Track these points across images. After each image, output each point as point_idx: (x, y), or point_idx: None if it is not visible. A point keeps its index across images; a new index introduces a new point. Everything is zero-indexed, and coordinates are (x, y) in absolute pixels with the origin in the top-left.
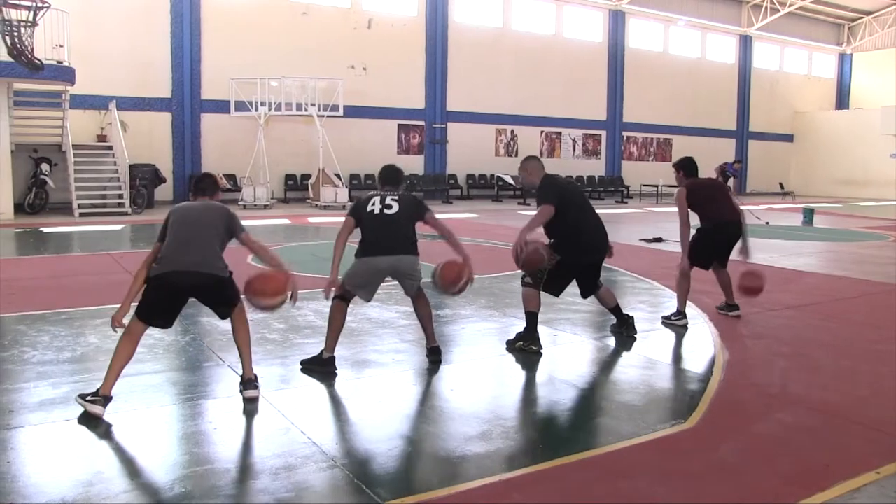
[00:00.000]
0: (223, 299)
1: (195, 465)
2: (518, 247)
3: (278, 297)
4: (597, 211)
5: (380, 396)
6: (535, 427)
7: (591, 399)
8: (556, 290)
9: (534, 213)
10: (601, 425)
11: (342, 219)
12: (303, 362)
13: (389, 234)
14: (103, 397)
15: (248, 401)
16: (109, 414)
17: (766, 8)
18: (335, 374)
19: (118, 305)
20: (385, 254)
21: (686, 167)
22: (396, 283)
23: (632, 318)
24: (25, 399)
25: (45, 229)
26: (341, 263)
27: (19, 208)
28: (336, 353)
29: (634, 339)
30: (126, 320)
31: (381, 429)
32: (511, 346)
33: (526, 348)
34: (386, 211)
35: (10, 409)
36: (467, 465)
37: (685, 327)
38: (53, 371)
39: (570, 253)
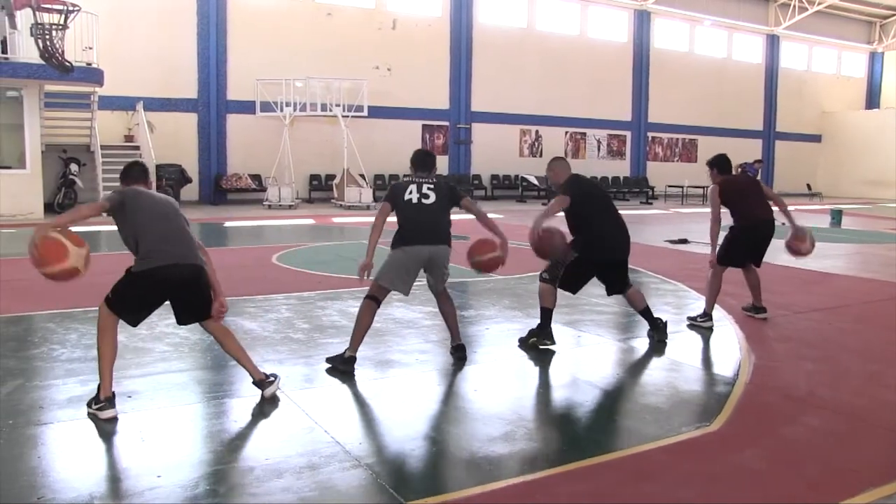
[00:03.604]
0: (202, 299)
1: (220, 463)
2: (534, 233)
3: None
4: (621, 211)
5: (403, 396)
6: (559, 428)
7: (614, 401)
8: (573, 288)
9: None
10: (625, 427)
11: (367, 219)
12: (328, 360)
13: (430, 224)
14: (107, 399)
15: (268, 400)
16: (137, 411)
17: (795, 6)
18: (352, 374)
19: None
20: (425, 243)
21: (719, 164)
22: (422, 282)
23: (664, 322)
24: (55, 396)
25: (74, 228)
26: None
27: (49, 208)
28: (360, 353)
29: (665, 343)
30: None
31: (405, 429)
32: (524, 343)
33: (539, 344)
34: (424, 201)
35: (40, 405)
36: (491, 466)
37: (711, 329)
38: (82, 368)
39: (587, 251)
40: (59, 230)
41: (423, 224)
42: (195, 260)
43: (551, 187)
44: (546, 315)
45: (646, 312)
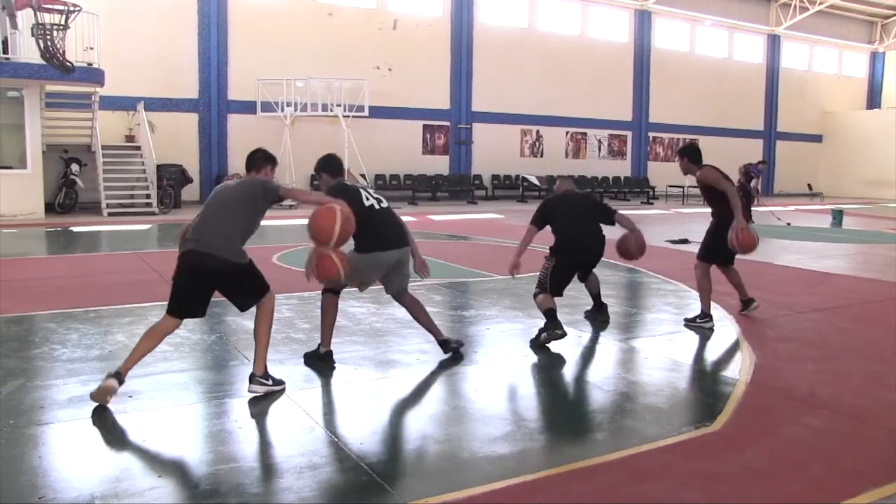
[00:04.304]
0: (240, 289)
1: (220, 462)
2: (511, 270)
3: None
4: (623, 211)
5: (404, 396)
6: (559, 428)
7: (615, 401)
8: (558, 290)
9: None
10: (626, 427)
11: None
12: (305, 355)
13: (393, 229)
14: (117, 373)
15: (250, 399)
16: (138, 411)
17: (795, 6)
18: (334, 368)
19: (146, 305)
20: (394, 248)
21: (690, 153)
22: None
23: (606, 305)
24: (55, 396)
25: (75, 228)
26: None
27: (50, 208)
28: (360, 353)
29: (607, 323)
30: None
31: (406, 429)
32: (535, 342)
33: (552, 337)
34: (382, 205)
35: (40, 405)
36: (491, 466)
37: (712, 330)
38: (82, 368)
39: (561, 254)
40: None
41: (389, 230)
42: (214, 250)
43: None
44: (550, 314)
45: (597, 297)
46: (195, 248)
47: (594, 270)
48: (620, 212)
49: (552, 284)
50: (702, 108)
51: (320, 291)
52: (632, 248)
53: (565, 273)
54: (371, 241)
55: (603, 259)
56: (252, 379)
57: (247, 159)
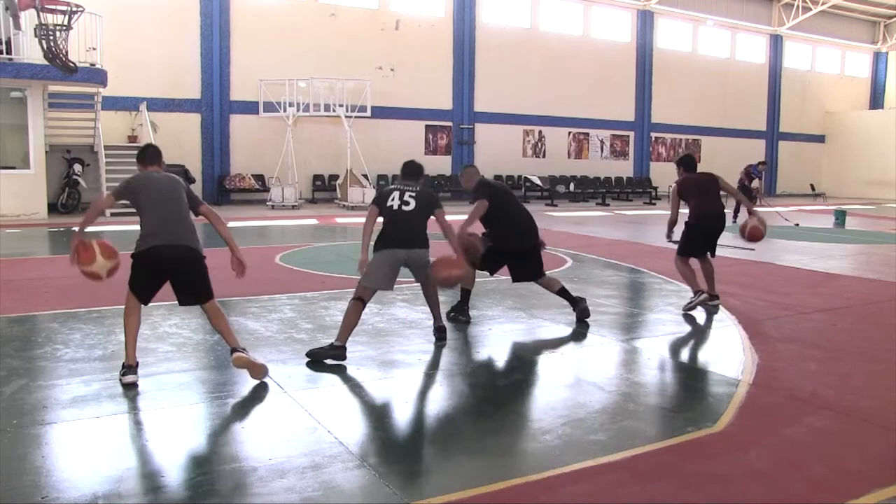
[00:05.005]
0: (198, 280)
1: (223, 463)
2: (463, 238)
3: None
4: (625, 211)
5: (406, 396)
6: (562, 428)
7: (618, 401)
8: (490, 269)
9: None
10: (628, 427)
11: None
12: (310, 353)
13: (406, 230)
14: (128, 367)
15: (235, 364)
16: (140, 411)
17: (798, 6)
18: (345, 359)
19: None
20: (402, 247)
21: (685, 163)
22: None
23: (583, 299)
24: (58, 395)
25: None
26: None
27: (52, 208)
28: (363, 353)
29: (587, 317)
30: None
31: (408, 429)
32: (449, 315)
33: (454, 318)
34: (404, 207)
35: (43, 405)
36: (494, 466)
37: (703, 303)
38: (85, 368)
39: (499, 242)
40: (97, 240)
41: (401, 230)
42: (191, 242)
43: (465, 190)
44: (463, 294)
45: (562, 292)
46: (171, 242)
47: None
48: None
49: (483, 260)
50: (704, 109)
51: (323, 292)
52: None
53: (500, 256)
54: (381, 239)
55: (605, 260)
56: (235, 351)
57: (143, 153)
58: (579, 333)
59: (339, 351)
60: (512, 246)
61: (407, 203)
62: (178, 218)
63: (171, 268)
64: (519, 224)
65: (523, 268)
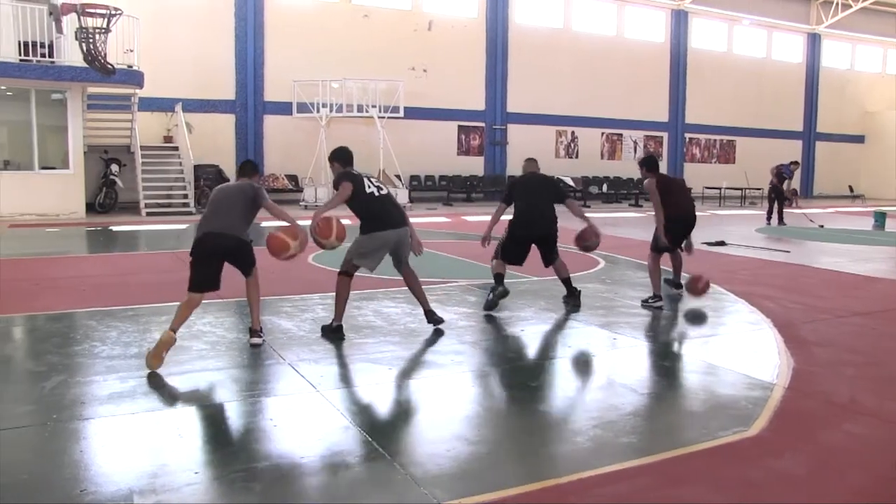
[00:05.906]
0: (244, 260)
1: (255, 460)
2: (483, 242)
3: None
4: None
5: (438, 397)
6: (594, 430)
7: (650, 404)
8: (515, 260)
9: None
10: (660, 430)
11: None
12: (322, 328)
13: (395, 211)
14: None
15: (252, 346)
16: (174, 408)
17: (837, 4)
18: (343, 339)
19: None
20: (395, 227)
21: (648, 163)
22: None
23: (579, 291)
24: (96, 391)
25: (114, 228)
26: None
27: (90, 207)
28: (395, 354)
29: (578, 308)
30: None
31: (439, 429)
32: (486, 305)
33: (497, 295)
34: (381, 192)
35: (81, 400)
36: (525, 468)
37: (661, 309)
38: (121, 365)
39: (512, 227)
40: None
41: (390, 212)
42: (237, 232)
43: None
44: (497, 279)
45: (567, 282)
46: (214, 230)
47: (560, 257)
48: (572, 198)
49: (503, 252)
50: (739, 109)
51: (354, 291)
52: (588, 236)
53: (515, 244)
54: (372, 223)
55: (638, 261)
56: (252, 333)
57: (240, 167)
58: (611, 336)
59: (337, 333)
60: (518, 232)
61: (380, 188)
62: (229, 210)
63: (224, 254)
64: (527, 214)
65: (543, 253)
